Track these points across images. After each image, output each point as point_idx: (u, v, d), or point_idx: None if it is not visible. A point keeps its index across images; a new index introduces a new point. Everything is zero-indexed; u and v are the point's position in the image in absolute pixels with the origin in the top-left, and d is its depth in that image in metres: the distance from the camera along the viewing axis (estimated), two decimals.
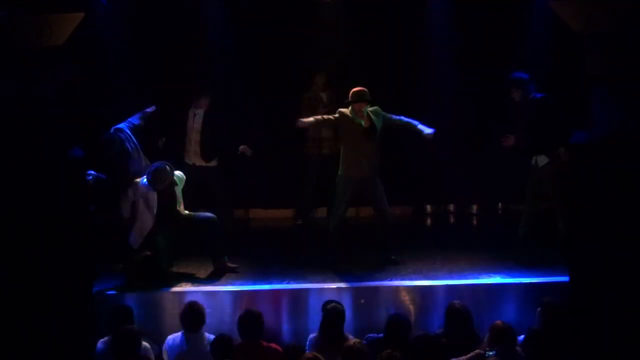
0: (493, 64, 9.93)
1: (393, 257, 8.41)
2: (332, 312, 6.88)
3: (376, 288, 7.72)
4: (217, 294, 7.70)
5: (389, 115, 8.34)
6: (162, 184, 8.00)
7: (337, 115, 8.28)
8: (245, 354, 6.68)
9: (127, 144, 8.41)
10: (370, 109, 8.26)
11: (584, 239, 6.99)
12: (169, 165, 8.06)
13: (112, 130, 8.43)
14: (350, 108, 8.22)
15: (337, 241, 8.41)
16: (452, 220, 10.78)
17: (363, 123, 8.20)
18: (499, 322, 6.68)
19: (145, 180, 8.07)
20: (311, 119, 8.37)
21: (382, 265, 8.30)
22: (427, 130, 8.25)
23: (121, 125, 8.54)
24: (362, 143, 8.20)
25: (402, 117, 8.39)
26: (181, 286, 7.86)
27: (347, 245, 8.69)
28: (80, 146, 7.21)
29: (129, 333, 6.67)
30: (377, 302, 7.64)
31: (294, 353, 6.66)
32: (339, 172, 8.36)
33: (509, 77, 8.64)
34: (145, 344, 6.85)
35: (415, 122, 8.34)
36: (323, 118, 8.40)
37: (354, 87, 8.29)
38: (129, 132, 8.51)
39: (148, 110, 8.85)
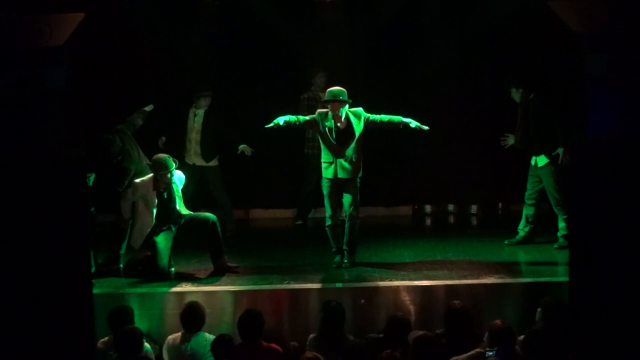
0: (493, 64, 9.93)
1: (346, 261, 8.28)
2: (332, 312, 6.88)
3: (376, 288, 7.71)
4: (217, 294, 7.70)
5: (373, 115, 8.11)
6: (163, 170, 8.00)
7: (313, 116, 8.17)
8: (246, 354, 6.68)
9: (127, 145, 8.41)
10: (352, 110, 8.10)
11: (584, 239, 6.98)
12: (174, 160, 8.10)
13: (111, 131, 8.43)
14: (329, 108, 8.09)
15: (338, 241, 8.38)
16: (452, 220, 10.77)
17: (339, 125, 8.09)
18: (498, 321, 6.67)
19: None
20: (280, 121, 8.02)
21: (382, 266, 8.30)
22: (416, 124, 8.01)
23: (120, 126, 8.54)
24: (338, 145, 8.10)
25: (386, 115, 8.14)
26: (181, 286, 7.86)
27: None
28: (80, 146, 7.21)
29: (132, 333, 6.67)
30: (377, 302, 7.63)
31: (294, 353, 6.66)
32: (322, 174, 8.29)
33: (510, 77, 8.65)
34: (145, 344, 6.85)
35: (402, 118, 8.08)
36: (297, 122, 8.14)
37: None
38: (128, 133, 8.51)
39: (146, 109, 8.85)
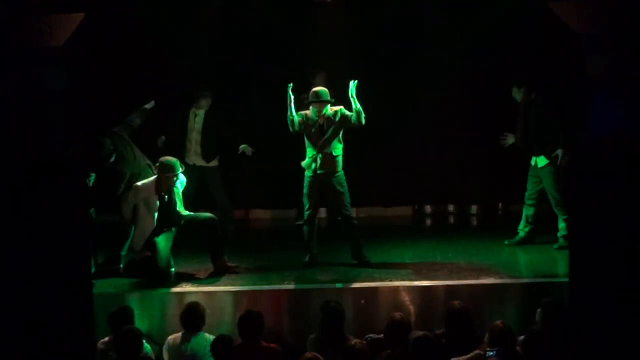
0: (493, 64, 9.93)
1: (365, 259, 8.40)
2: (332, 313, 6.87)
3: (376, 288, 7.71)
4: (217, 294, 7.70)
5: (346, 111, 8.28)
6: (170, 173, 8.01)
7: (299, 118, 8.31)
8: (246, 354, 6.68)
9: (121, 148, 8.33)
10: (334, 108, 8.28)
11: (584, 239, 6.98)
12: (181, 164, 8.14)
13: (107, 135, 8.35)
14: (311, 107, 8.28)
15: (311, 240, 8.45)
16: (452, 220, 10.77)
17: (320, 121, 8.23)
18: (498, 322, 6.67)
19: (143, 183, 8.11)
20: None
21: (382, 266, 8.29)
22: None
23: (116, 129, 8.47)
24: (316, 140, 8.23)
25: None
26: (181, 286, 7.86)
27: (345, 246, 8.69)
28: (81, 146, 7.21)
29: (132, 333, 6.67)
30: (377, 303, 7.63)
31: (294, 353, 6.66)
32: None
33: (511, 77, 8.64)
34: (145, 344, 6.85)
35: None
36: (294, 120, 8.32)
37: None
38: (123, 135, 8.43)
39: (147, 107, 8.78)
